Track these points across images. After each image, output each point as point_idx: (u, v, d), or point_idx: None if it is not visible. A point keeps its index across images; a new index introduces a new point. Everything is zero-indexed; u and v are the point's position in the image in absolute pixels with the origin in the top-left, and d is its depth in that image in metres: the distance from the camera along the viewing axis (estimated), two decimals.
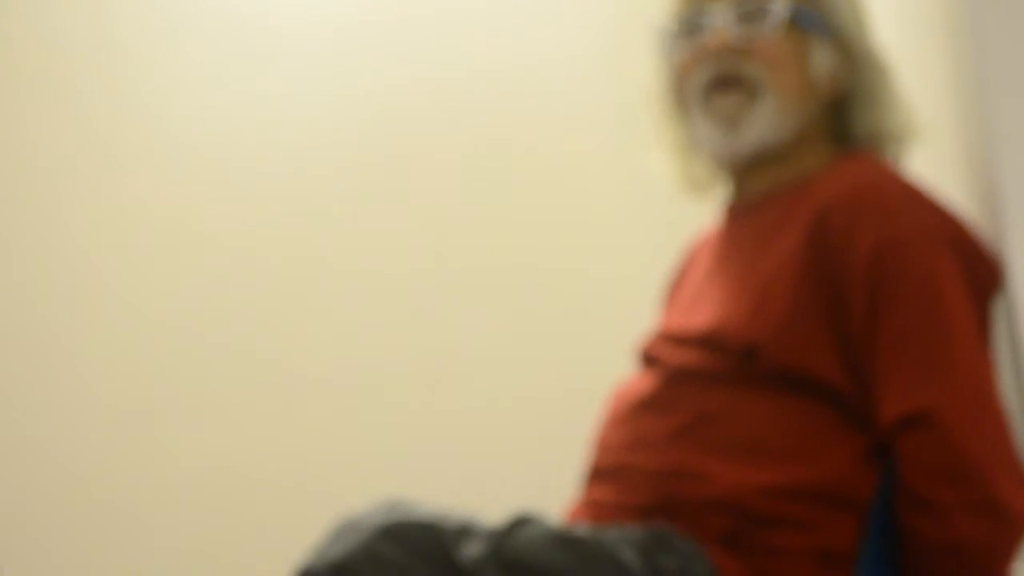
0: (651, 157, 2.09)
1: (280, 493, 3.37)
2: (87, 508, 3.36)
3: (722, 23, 1.92)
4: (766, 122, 1.91)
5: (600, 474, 1.90)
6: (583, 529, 1.76)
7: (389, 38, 3.53)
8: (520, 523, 1.75)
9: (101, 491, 3.36)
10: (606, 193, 3.47)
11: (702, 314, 1.92)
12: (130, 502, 3.36)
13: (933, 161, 2.14)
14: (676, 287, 2.12)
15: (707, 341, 1.87)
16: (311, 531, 2.62)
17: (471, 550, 1.68)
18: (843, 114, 1.99)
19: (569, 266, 3.46)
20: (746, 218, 1.97)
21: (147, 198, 3.45)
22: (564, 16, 3.54)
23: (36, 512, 3.34)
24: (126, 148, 3.47)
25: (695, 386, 1.86)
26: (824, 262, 1.81)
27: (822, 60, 1.94)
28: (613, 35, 3.41)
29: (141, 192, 3.45)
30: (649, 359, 1.97)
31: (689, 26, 1.95)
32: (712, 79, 1.93)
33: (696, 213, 2.53)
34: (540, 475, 3.04)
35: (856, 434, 1.80)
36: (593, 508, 1.88)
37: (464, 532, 1.71)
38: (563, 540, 1.73)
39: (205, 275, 3.44)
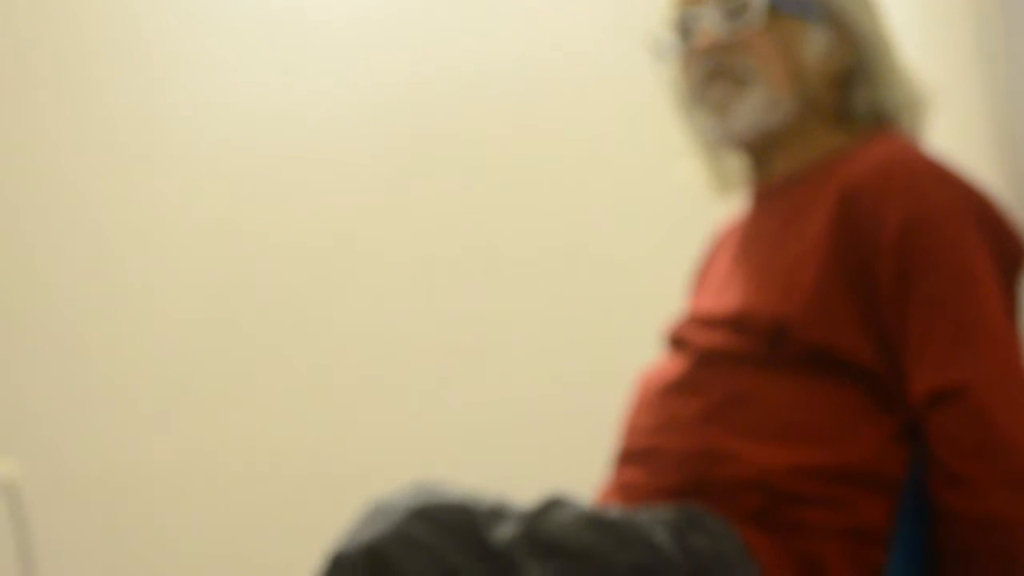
0: (682, 164, 2.12)
1: (309, 478, 3.38)
2: (114, 498, 3.36)
3: (708, 23, 1.97)
4: (757, 107, 1.95)
5: (630, 457, 1.91)
6: (615, 511, 1.76)
7: (413, 23, 3.53)
8: (552, 505, 1.75)
9: (127, 481, 3.37)
10: (632, 177, 3.48)
11: (730, 297, 1.93)
12: (157, 491, 3.37)
13: (960, 137, 2.14)
14: (704, 272, 2.13)
15: (736, 323, 1.87)
16: (341, 516, 2.60)
17: (503, 532, 1.68)
18: (847, 92, 2.01)
19: (594, 250, 3.46)
20: (772, 201, 1.99)
21: (168, 186, 3.45)
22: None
23: (67, 503, 3.35)
24: (151, 138, 3.47)
25: (724, 368, 1.86)
26: (852, 241, 1.81)
27: (815, 43, 1.97)
28: (636, 18, 3.41)
29: (163, 180, 3.46)
30: (677, 342, 1.97)
31: (681, 31, 2.01)
32: (704, 75, 1.97)
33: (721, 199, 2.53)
34: (569, 459, 3.02)
35: (886, 413, 1.80)
36: (624, 491, 1.88)
37: (496, 514, 1.71)
38: (595, 522, 1.73)
39: (228, 264, 3.45)
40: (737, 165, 2.09)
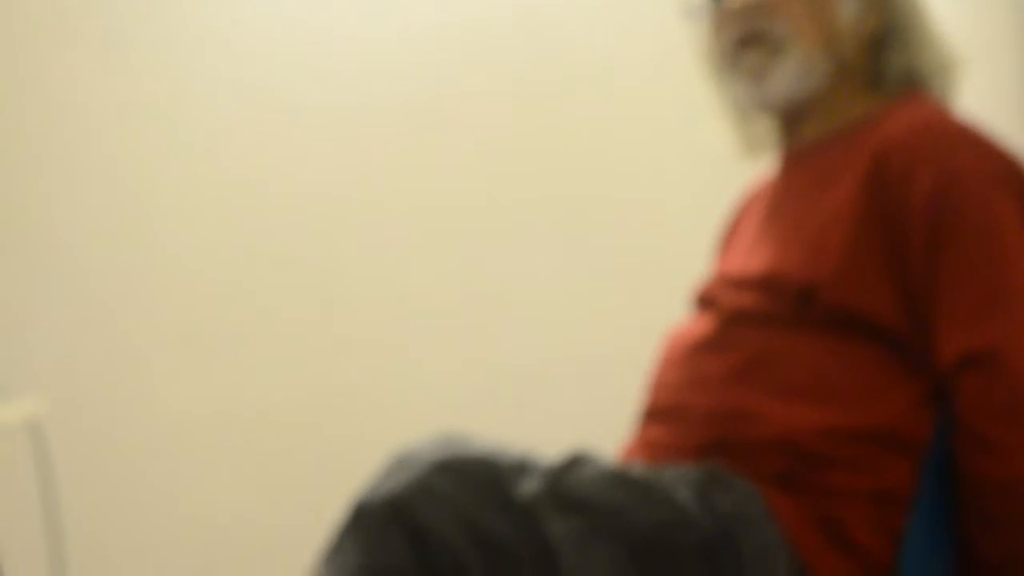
0: (711, 126, 2.11)
1: (332, 431, 3.39)
2: (137, 437, 3.38)
3: None
4: (792, 74, 1.94)
5: (656, 414, 1.91)
6: (639, 468, 1.76)
7: None
8: (576, 461, 1.75)
9: (150, 421, 3.39)
10: (660, 138, 3.47)
11: (759, 258, 1.92)
12: (179, 431, 3.38)
13: (990, 101, 2.13)
14: (732, 233, 2.12)
15: (764, 284, 1.87)
16: (358, 468, 2.61)
17: (527, 487, 1.68)
18: (879, 56, 2.00)
19: (620, 210, 3.46)
20: (801, 164, 1.98)
21: (187, 133, 3.46)
22: None
23: (90, 441, 3.37)
24: (171, 85, 3.47)
25: (752, 328, 1.86)
26: (882, 204, 1.81)
27: (847, 5, 1.96)
28: None
29: (183, 128, 3.46)
30: (706, 302, 1.97)
31: None
32: (737, 39, 1.96)
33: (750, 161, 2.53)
34: (592, 416, 3.03)
35: (913, 376, 1.80)
36: (648, 448, 1.89)
37: (520, 468, 1.71)
38: (619, 479, 1.73)
39: (245, 211, 3.45)
40: (767, 128, 2.09)
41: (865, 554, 1.76)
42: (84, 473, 3.35)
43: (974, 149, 1.82)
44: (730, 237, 2.12)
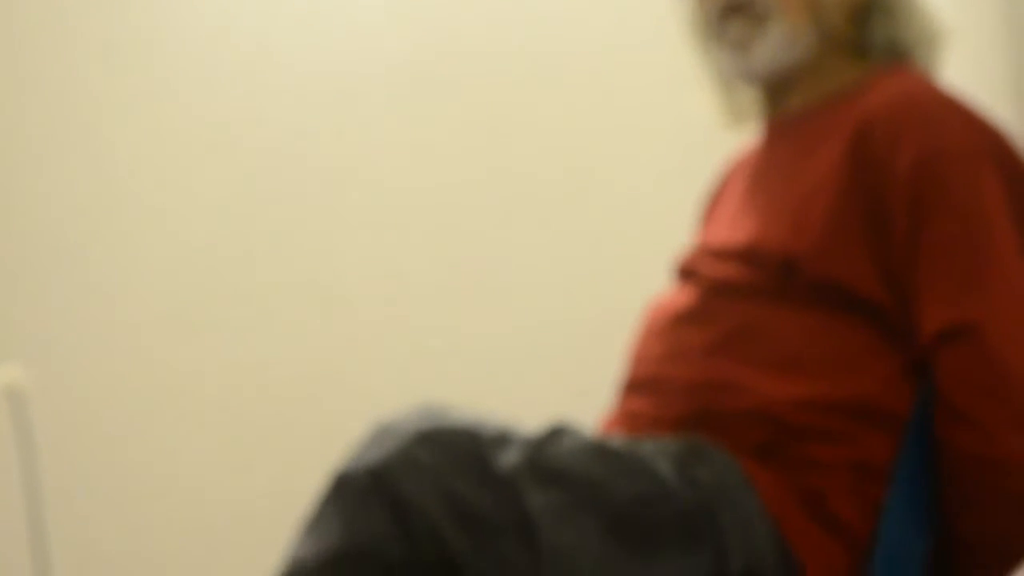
0: (696, 94, 2.11)
1: (314, 402, 3.38)
2: (119, 404, 3.37)
3: None
4: (776, 44, 1.93)
5: (636, 385, 1.91)
6: (619, 440, 1.76)
7: None
8: (557, 433, 1.75)
9: (132, 388, 3.38)
10: (645, 109, 3.46)
11: (741, 229, 1.92)
12: (163, 399, 3.37)
13: (975, 73, 2.12)
14: (714, 204, 2.12)
15: (746, 255, 1.87)
16: (344, 438, 2.60)
17: (508, 458, 1.68)
18: (864, 26, 1.99)
19: (605, 179, 3.45)
20: (785, 135, 1.98)
21: (178, 96, 3.44)
22: None
23: (72, 408, 3.36)
24: (161, 48, 3.45)
25: (734, 299, 1.86)
26: (865, 175, 1.81)
27: None
28: None
29: (174, 89, 3.44)
30: (687, 273, 1.97)
31: None
32: (721, 8, 1.95)
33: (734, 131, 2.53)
34: (574, 388, 3.03)
35: (894, 349, 1.80)
36: (629, 419, 1.89)
37: (501, 440, 1.71)
38: (599, 451, 1.73)
39: (237, 176, 3.43)
40: (751, 97, 2.08)
41: (844, 525, 1.76)
42: (65, 441, 3.34)
43: (958, 121, 1.81)
44: (713, 208, 2.11)
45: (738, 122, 2.10)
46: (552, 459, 1.70)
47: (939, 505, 1.79)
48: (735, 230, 1.93)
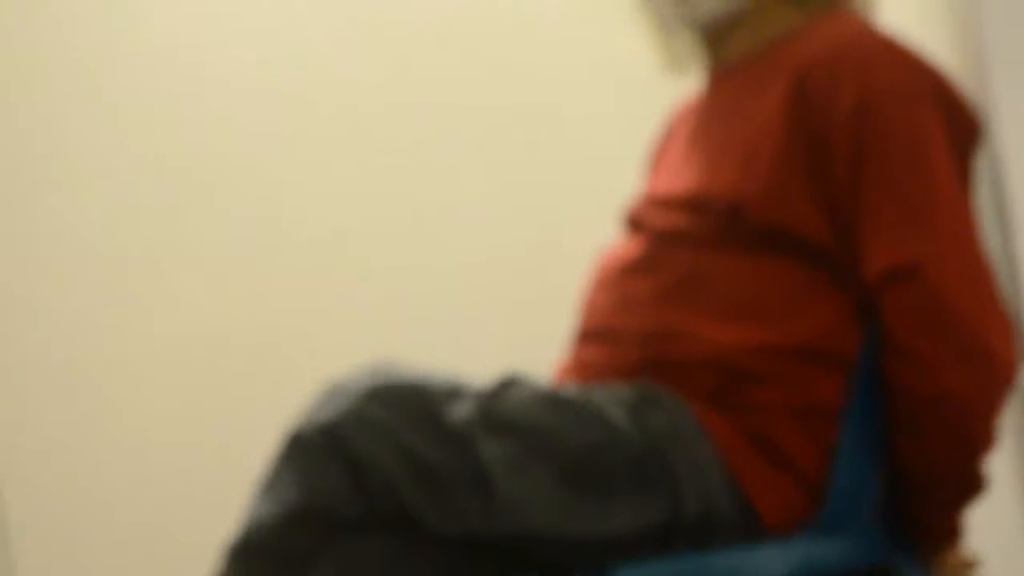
0: (632, 40, 2.10)
1: (266, 355, 3.35)
2: (77, 369, 3.36)
3: None
4: None
5: (588, 336, 1.92)
6: (571, 389, 1.78)
7: None
8: (508, 384, 1.76)
9: (90, 352, 3.36)
10: (592, 59, 3.44)
11: (686, 177, 1.93)
12: (113, 367, 3.35)
13: (914, 15, 2.14)
14: (661, 153, 2.12)
15: (692, 203, 1.88)
16: (300, 395, 2.61)
17: (460, 411, 1.70)
18: None
19: (555, 129, 3.43)
20: (727, 82, 1.98)
21: (145, 35, 3.41)
22: None
23: (33, 375, 3.35)
24: (143, 21, 3.43)
25: (681, 248, 1.87)
26: (806, 119, 1.82)
27: None
28: None
29: (139, 29, 3.41)
30: (635, 224, 1.98)
31: None
32: None
33: (680, 79, 2.53)
34: (527, 336, 3.03)
35: (841, 292, 1.82)
36: (581, 369, 1.90)
37: (452, 394, 1.72)
38: (551, 401, 1.75)
39: (207, 139, 3.40)
40: (691, 45, 2.09)
41: (797, 468, 1.78)
42: (25, 396, 3.33)
43: (896, 64, 1.82)
44: (659, 157, 2.12)
45: (679, 68, 2.10)
46: (504, 410, 1.71)
47: (888, 442, 1.81)
48: (680, 179, 1.94)
